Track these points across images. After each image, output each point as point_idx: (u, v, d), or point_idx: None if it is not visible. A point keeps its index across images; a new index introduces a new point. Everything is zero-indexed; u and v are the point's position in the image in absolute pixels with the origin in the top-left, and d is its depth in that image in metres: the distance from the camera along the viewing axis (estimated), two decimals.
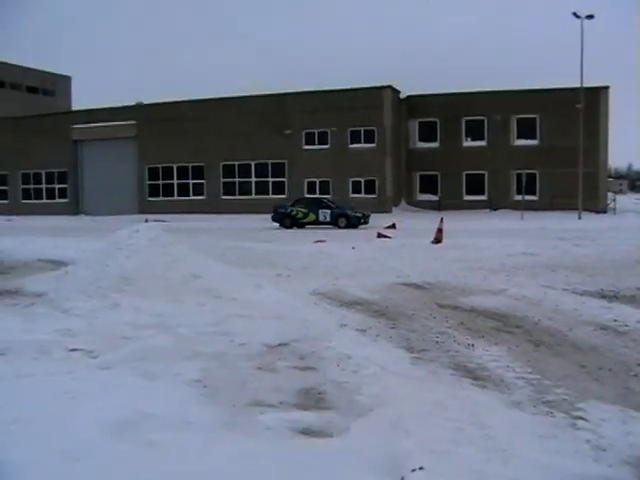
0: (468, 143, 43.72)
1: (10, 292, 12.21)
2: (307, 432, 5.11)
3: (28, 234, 26.86)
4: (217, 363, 7.13)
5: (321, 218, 33.43)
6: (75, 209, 50.66)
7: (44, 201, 52.74)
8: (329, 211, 33.58)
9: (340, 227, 32.76)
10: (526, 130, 42.58)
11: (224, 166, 46.07)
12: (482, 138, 43.43)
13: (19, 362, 7.23)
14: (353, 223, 32.78)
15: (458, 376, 6.46)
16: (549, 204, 39.95)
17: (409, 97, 44.64)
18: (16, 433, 4.94)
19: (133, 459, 4.50)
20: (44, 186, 53.06)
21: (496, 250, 17.07)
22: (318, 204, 34.62)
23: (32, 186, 53.74)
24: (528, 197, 39.20)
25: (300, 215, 33.80)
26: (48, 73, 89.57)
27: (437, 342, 7.88)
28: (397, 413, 5.26)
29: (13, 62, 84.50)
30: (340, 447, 4.69)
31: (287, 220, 33.76)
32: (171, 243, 12.90)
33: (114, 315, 9.75)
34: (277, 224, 33.84)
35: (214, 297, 10.79)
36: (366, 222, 33.16)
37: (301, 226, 33.48)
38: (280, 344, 7.90)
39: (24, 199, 53.96)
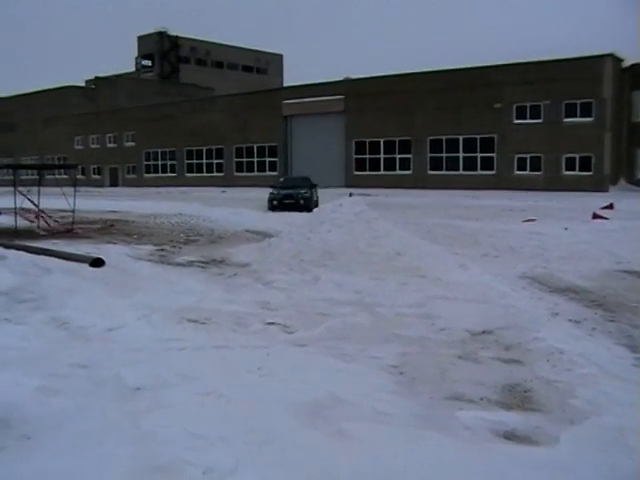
0: None
1: (217, 261, 12.60)
2: (510, 436, 4.58)
3: (238, 205, 27.95)
4: (416, 348, 6.76)
5: None
6: None
7: (255, 174, 54.73)
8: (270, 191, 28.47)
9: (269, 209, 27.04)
10: None
11: (431, 141, 45.35)
12: None
13: (218, 332, 7.32)
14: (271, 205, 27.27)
15: None
16: None
17: (633, 65, 41.23)
18: (208, 406, 4.91)
19: (322, 449, 4.24)
20: (255, 159, 55.12)
21: None
22: (275, 184, 30.08)
23: (245, 159, 55.99)
24: None
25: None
26: (262, 52, 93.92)
27: None
28: (618, 425, 4.59)
29: (230, 43, 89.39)
30: (548, 460, 4.12)
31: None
32: (375, 219, 12.67)
33: (313, 290, 9.68)
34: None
35: (417, 276, 10.42)
36: (296, 204, 26.40)
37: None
38: (484, 331, 7.36)
39: (237, 172, 56.48)
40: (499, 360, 6.34)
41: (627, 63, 41.26)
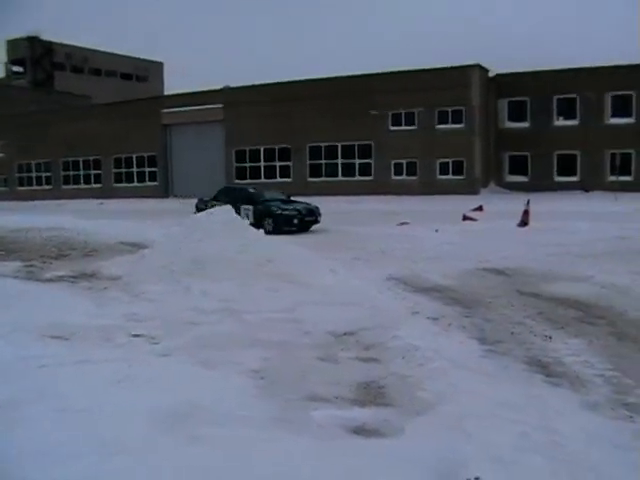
0: (560, 122, 41.87)
1: (87, 275, 12.33)
2: (360, 431, 4.78)
3: (115, 217, 27.42)
4: (279, 352, 6.89)
5: (242, 216, 18.94)
6: (165, 192, 51.42)
7: (135, 184, 53.58)
8: (251, 207, 23.07)
9: (269, 232, 17.24)
10: (621, 108, 40.28)
11: (310, 148, 45.90)
12: (574, 117, 41.48)
13: (81, 347, 7.18)
14: (281, 226, 21.63)
15: (531, 372, 5.97)
16: None
17: (498, 75, 43.26)
18: (64, 422, 4.82)
19: (173, 455, 4.29)
20: (135, 170, 53.88)
21: (586, 234, 16.20)
22: (240, 196, 24.22)
23: (123, 170, 54.66)
24: (623, 178, 37.25)
25: None
26: (141, 60, 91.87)
27: (512, 333, 7.38)
28: (459, 412, 4.87)
29: (109, 50, 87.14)
30: (391, 450, 4.34)
31: None
32: (246, 226, 12.78)
33: (183, 300, 9.65)
34: None
35: (287, 282, 10.55)
36: (315, 222, 22.91)
37: None
38: (346, 333, 7.60)
39: (116, 182, 55.13)
40: (358, 360, 6.57)
41: (492, 73, 43.26)
